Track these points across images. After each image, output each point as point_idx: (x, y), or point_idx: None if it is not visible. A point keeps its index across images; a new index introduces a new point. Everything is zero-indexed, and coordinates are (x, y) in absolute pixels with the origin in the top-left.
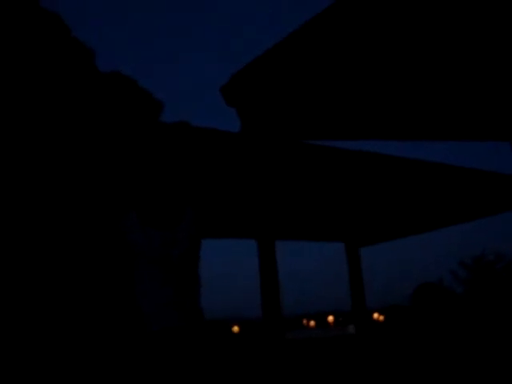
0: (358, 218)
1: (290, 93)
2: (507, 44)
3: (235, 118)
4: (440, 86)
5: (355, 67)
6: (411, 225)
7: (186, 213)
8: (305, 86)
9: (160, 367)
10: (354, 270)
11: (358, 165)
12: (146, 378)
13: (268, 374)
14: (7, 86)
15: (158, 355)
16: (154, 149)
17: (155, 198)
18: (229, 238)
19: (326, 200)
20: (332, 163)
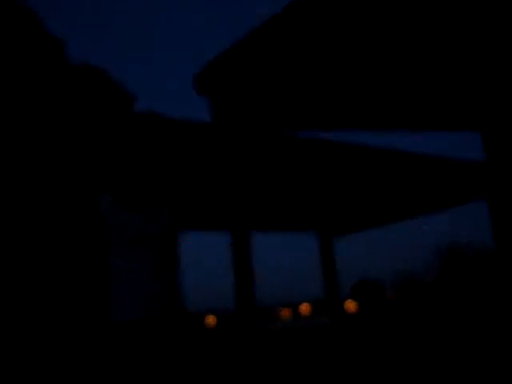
0: (331, 206)
1: (264, 83)
2: (477, 37)
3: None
4: (411, 76)
5: (331, 56)
6: (385, 214)
7: (164, 198)
8: (280, 76)
9: (130, 361)
10: (327, 259)
11: (331, 154)
12: (117, 372)
13: (244, 366)
14: None
15: (127, 349)
16: (126, 138)
17: (131, 180)
18: (202, 231)
19: (299, 189)
20: (305, 153)
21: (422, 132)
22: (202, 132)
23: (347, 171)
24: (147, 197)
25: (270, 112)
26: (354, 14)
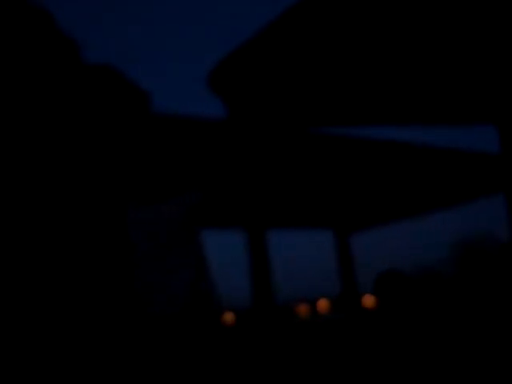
0: (347, 203)
1: (278, 79)
2: (490, 29)
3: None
4: (424, 69)
5: (344, 53)
6: (402, 210)
7: (179, 194)
8: (294, 72)
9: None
10: (343, 256)
11: (348, 150)
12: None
13: (263, 363)
14: None
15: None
16: (141, 141)
17: (144, 177)
18: (218, 228)
19: (315, 186)
20: (321, 149)
21: (437, 127)
22: (216, 129)
23: (363, 167)
24: (160, 193)
25: (285, 108)
26: (375, 9)
